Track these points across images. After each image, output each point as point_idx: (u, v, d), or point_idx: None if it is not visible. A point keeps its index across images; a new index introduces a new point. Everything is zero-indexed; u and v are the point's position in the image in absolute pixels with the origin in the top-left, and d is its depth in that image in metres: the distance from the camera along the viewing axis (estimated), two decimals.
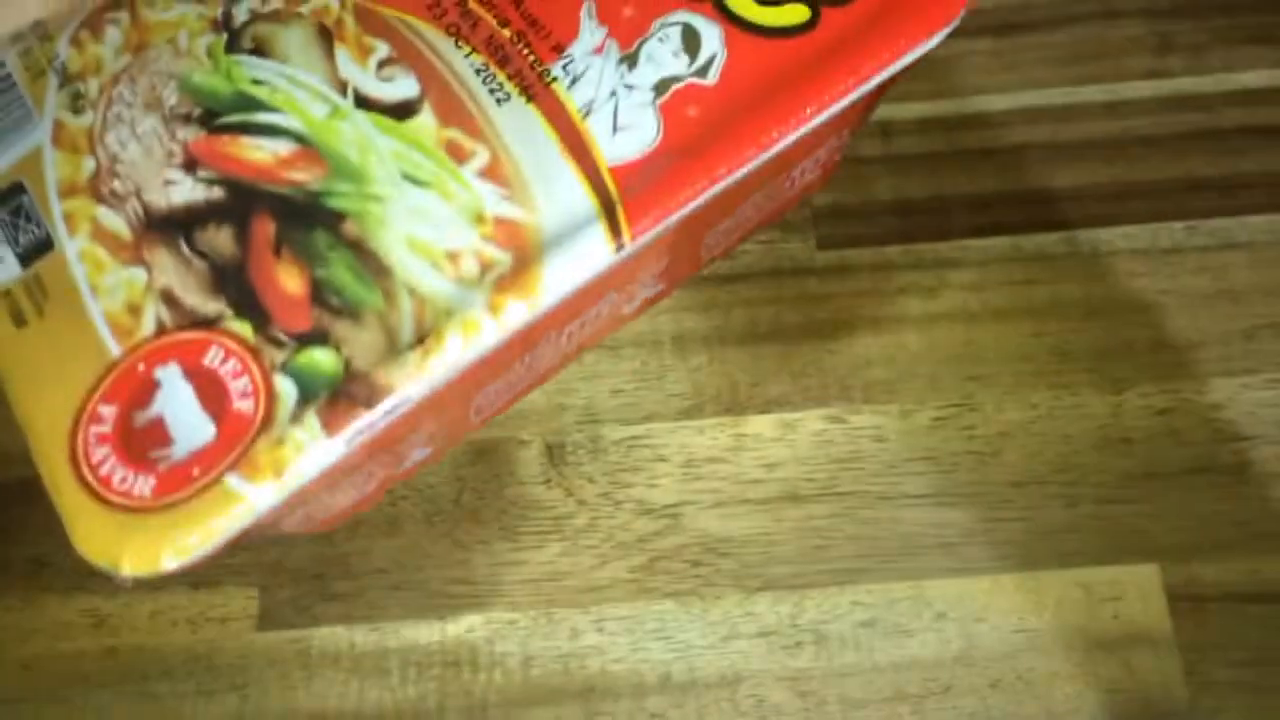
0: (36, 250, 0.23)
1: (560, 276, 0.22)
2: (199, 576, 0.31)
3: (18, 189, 0.23)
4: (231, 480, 0.21)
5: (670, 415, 0.32)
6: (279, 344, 0.22)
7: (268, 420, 0.21)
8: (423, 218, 0.22)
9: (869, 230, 0.33)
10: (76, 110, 0.23)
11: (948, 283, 0.33)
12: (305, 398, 0.21)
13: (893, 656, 0.29)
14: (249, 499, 0.21)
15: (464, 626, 0.30)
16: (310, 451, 0.21)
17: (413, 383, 0.22)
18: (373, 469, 0.25)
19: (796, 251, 0.33)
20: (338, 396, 0.21)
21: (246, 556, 0.31)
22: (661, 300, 0.30)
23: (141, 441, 0.21)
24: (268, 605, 0.30)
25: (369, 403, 0.21)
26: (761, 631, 0.29)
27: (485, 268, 0.22)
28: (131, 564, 0.21)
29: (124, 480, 0.21)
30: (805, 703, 0.29)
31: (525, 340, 0.24)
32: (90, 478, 0.21)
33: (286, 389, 0.21)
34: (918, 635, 0.29)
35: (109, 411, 0.21)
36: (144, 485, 0.21)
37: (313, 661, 0.30)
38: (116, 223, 0.23)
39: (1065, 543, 0.30)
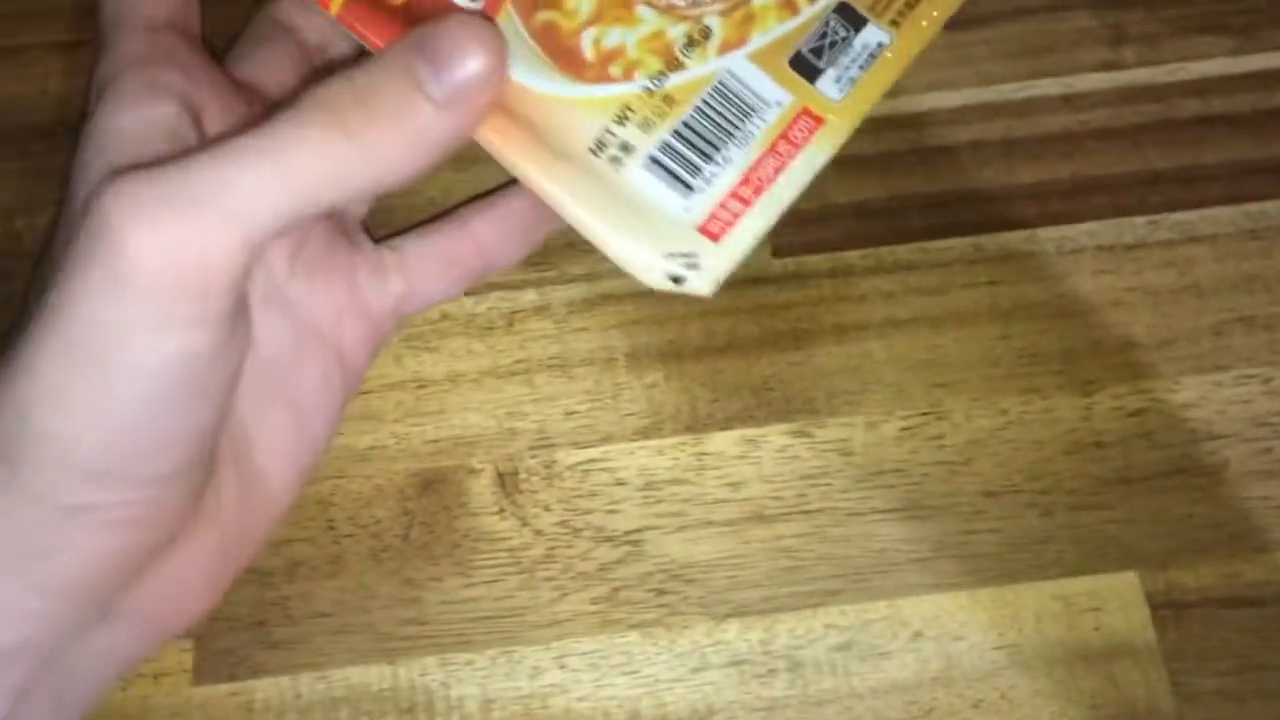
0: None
1: None
2: None
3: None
4: None
5: (627, 436, 0.30)
6: None
7: None
8: None
9: (826, 235, 0.32)
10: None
11: (910, 287, 0.31)
12: None
13: (870, 681, 0.28)
14: None
15: (417, 670, 0.28)
16: None
17: None
18: None
19: (752, 260, 0.32)
20: None
21: None
22: None
23: None
24: (203, 657, 0.28)
25: None
26: (733, 661, 0.28)
27: None
28: None
29: None
30: None
31: None
32: None
33: None
34: (895, 657, 0.28)
35: None
36: None
37: (255, 716, 0.28)
38: None
39: (1042, 553, 0.29)
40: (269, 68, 0.27)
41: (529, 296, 0.32)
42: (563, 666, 0.28)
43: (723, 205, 0.21)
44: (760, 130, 0.21)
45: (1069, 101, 0.33)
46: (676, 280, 0.21)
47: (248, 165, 0.19)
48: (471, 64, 0.19)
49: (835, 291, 0.31)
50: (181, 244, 0.18)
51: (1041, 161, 0.33)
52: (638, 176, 0.21)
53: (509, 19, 0.22)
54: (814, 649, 0.28)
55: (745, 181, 0.21)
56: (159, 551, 0.22)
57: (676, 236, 0.21)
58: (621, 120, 0.21)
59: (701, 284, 0.21)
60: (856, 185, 0.33)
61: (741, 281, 0.32)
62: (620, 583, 0.29)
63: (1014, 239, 0.32)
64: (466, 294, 0.32)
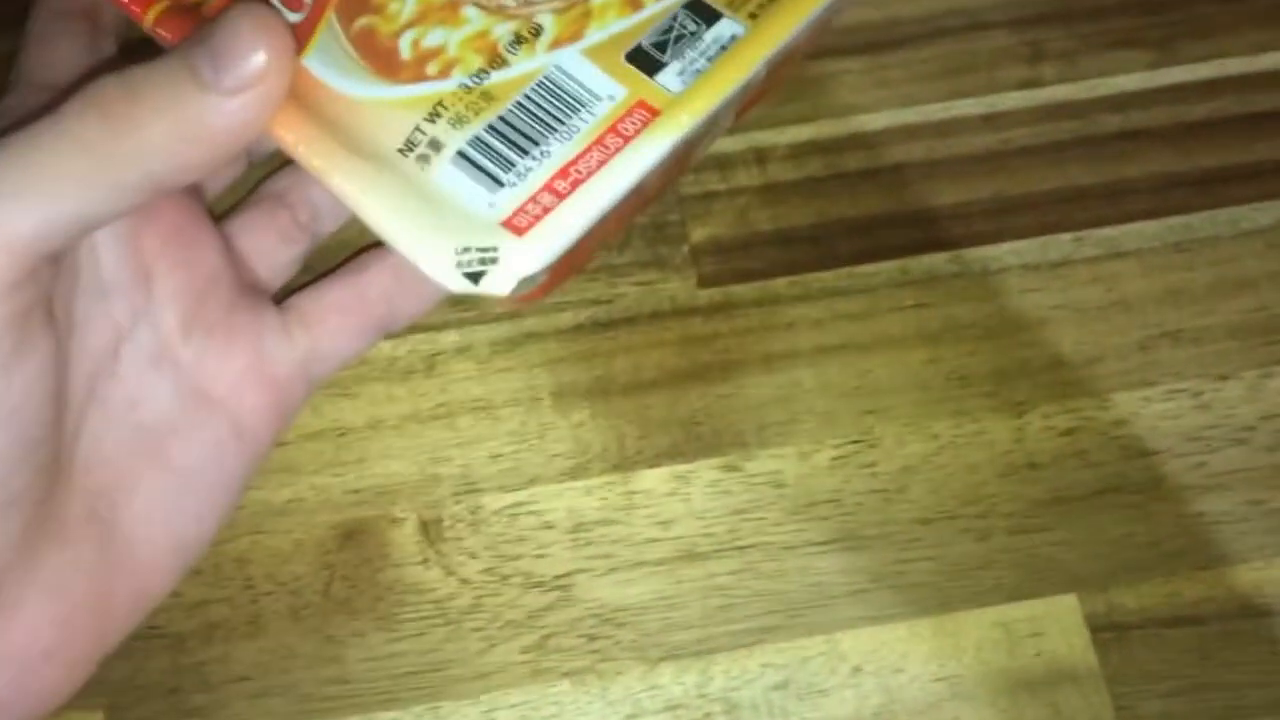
0: None
1: None
2: None
3: None
4: None
5: (554, 477, 0.29)
6: None
7: None
8: None
9: (751, 264, 0.32)
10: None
11: (837, 313, 0.31)
12: None
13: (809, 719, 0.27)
14: None
15: None
16: None
17: None
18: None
19: (677, 291, 0.31)
20: None
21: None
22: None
23: None
24: None
25: None
26: (668, 706, 0.27)
27: None
28: None
29: None
30: None
31: None
32: None
33: None
34: (834, 694, 0.27)
35: None
36: None
37: None
38: None
39: (980, 580, 0.28)
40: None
41: (450, 338, 0.31)
42: None
43: (533, 199, 0.20)
44: (588, 124, 0.20)
45: (990, 121, 0.33)
46: (474, 278, 0.19)
47: (2, 169, 0.18)
48: (251, 53, 0.18)
49: (762, 320, 0.31)
50: None
51: (965, 182, 0.32)
52: (444, 173, 0.20)
53: (329, 26, 0.21)
54: (751, 690, 0.27)
55: (562, 175, 0.20)
56: None
57: (476, 232, 0.20)
58: (433, 118, 0.20)
59: (500, 281, 0.19)
60: (781, 212, 0.32)
61: (667, 314, 0.31)
62: (550, 629, 0.28)
63: (940, 261, 0.31)
64: (385, 337, 0.31)
